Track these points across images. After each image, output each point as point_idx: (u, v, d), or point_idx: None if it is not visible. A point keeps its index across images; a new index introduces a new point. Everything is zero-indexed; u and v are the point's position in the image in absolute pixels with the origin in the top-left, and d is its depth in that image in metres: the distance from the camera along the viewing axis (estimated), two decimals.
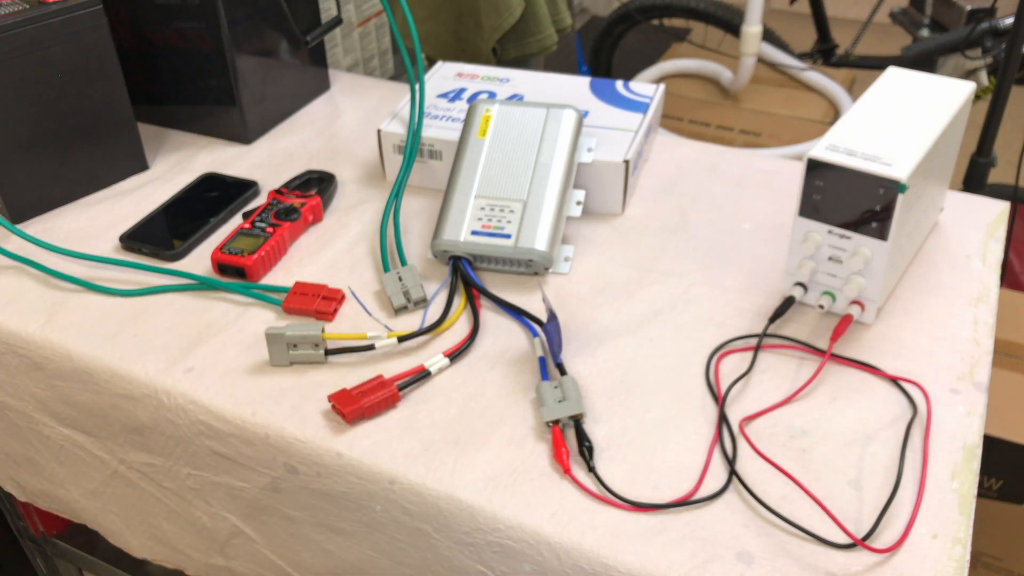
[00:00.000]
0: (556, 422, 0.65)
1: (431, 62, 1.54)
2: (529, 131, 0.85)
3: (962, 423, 0.66)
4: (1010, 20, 1.67)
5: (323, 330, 0.72)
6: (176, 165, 1.01)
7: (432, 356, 0.72)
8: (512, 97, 0.98)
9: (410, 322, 0.77)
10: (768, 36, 2.00)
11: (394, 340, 0.73)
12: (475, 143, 0.85)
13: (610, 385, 0.70)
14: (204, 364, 0.73)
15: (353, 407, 0.67)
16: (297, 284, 0.79)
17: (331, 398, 0.68)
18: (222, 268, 0.83)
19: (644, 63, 2.17)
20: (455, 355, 0.73)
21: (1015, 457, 1.07)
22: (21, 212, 0.91)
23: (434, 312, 0.78)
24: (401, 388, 0.69)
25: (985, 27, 1.70)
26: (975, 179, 1.43)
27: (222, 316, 0.78)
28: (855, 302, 0.73)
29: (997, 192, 1.60)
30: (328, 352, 0.73)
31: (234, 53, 0.98)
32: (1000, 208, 0.89)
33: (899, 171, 0.66)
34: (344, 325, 0.77)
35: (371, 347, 0.73)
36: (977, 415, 0.67)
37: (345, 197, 0.95)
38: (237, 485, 0.73)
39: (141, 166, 1.00)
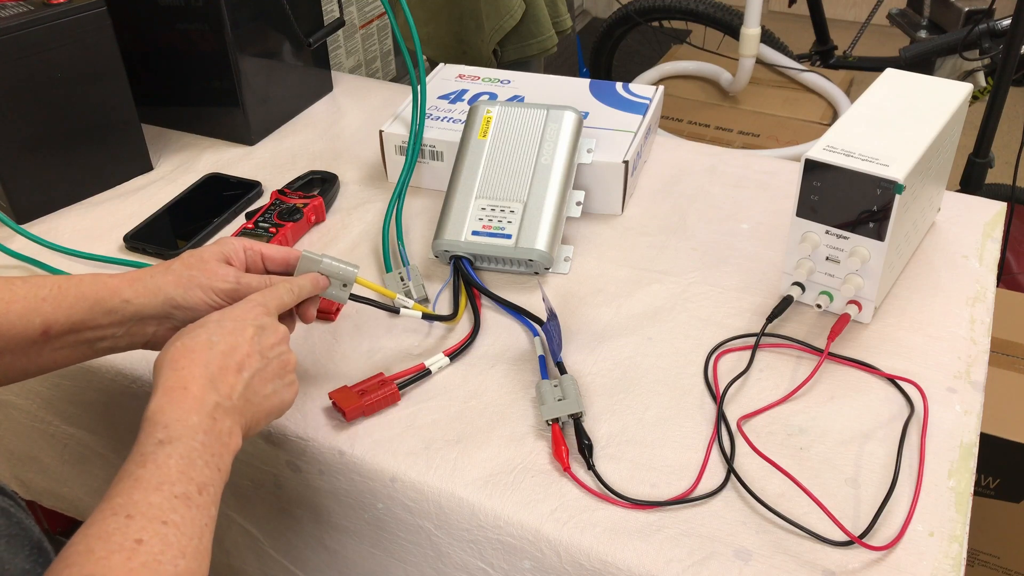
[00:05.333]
0: (556, 420, 0.66)
1: (432, 64, 1.55)
2: (529, 132, 0.86)
3: (959, 422, 0.66)
4: (1008, 21, 1.67)
5: (357, 276, 0.69)
6: (180, 166, 1.02)
7: (434, 355, 0.73)
8: (513, 99, 0.98)
9: (411, 322, 0.78)
10: (767, 38, 2.00)
11: (418, 314, 0.73)
12: (476, 144, 0.86)
13: (609, 384, 0.71)
14: None
15: (353, 405, 0.67)
16: None
17: (332, 395, 0.68)
18: None
19: (644, 65, 2.17)
20: (455, 354, 0.73)
21: (1012, 455, 1.07)
22: (26, 212, 0.92)
23: (441, 310, 0.79)
24: (401, 387, 0.70)
25: (983, 28, 1.71)
26: (972, 180, 1.44)
27: None
28: (852, 302, 0.74)
29: (994, 192, 1.60)
30: (352, 298, 0.69)
31: (237, 55, 0.98)
32: (997, 208, 0.89)
33: (896, 172, 0.67)
34: (347, 324, 0.78)
35: (396, 311, 0.72)
36: (974, 414, 0.67)
37: (347, 198, 0.95)
38: (240, 483, 0.73)
39: (145, 167, 1.00)
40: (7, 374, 0.60)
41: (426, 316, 0.74)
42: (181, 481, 0.49)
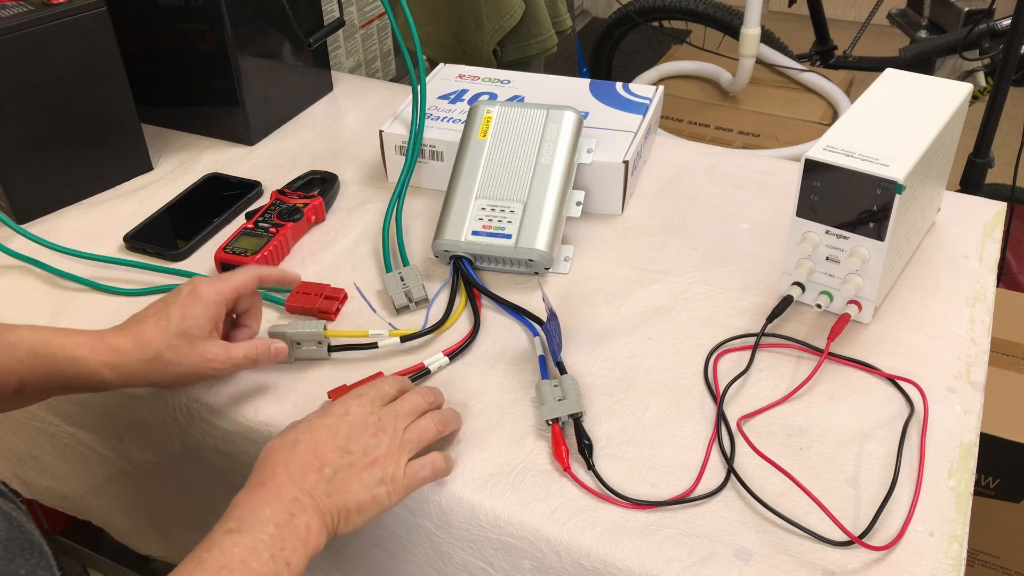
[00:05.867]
0: (556, 420, 0.66)
1: (432, 64, 1.55)
2: (529, 132, 0.86)
3: (959, 422, 0.66)
4: (1008, 21, 1.67)
5: (325, 327, 0.73)
6: (180, 166, 1.02)
7: (433, 355, 0.73)
8: (513, 99, 0.98)
9: (412, 321, 0.78)
10: (767, 38, 2.00)
11: (396, 339, 0.74)
12: (476, 144, 0.86)
13: (609, 384, 0.71)
14: None
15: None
16: (300, 284, 0.80)
17: (331, 394, 0.69)
18: (225, 267, 0.83)
19: (644, 65, 2.16)
20: (455, 354, 0.73)
21: (1012, 455, 1.07)
22: (26, 212, 0.92)
23: (436, 312, 0.79)
24: None
25: (983, 28, 1.71)
26: (972, 180, 1.44)
27: None
28: (852, 301, 0.74)
29: (994, 192, 1.60)
30: (331, 349, 0.73)
31: (237, 55, 0.98)
32: (997, 208, 0.89)
33: (896, 172, 0.67)
34: (347, 324, 0.78)
35: (374, 345, 0.73)
36: (974, 414, 0.67)
37: (347, 198, 0.95)
38: (240, 483, 0.73)
39: (145, 167, 1.00)
40: None
41: (405, 339, 0.74)
42: (240, 570, 0.49)
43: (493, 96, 0.99)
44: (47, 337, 0.61)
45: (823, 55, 2.11)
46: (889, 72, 0.81)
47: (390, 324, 0.77)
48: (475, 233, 0.81)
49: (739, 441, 0.65)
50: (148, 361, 0.61)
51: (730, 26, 2.05)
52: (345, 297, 0.80)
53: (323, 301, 0.78)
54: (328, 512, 0.55)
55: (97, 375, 0.61)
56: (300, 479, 0.54)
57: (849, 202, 0.69)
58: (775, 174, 0.96)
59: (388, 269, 0.83)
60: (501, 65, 1.49)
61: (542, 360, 0.72)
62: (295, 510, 0.53)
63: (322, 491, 0.55)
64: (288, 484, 0.54)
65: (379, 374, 0.70)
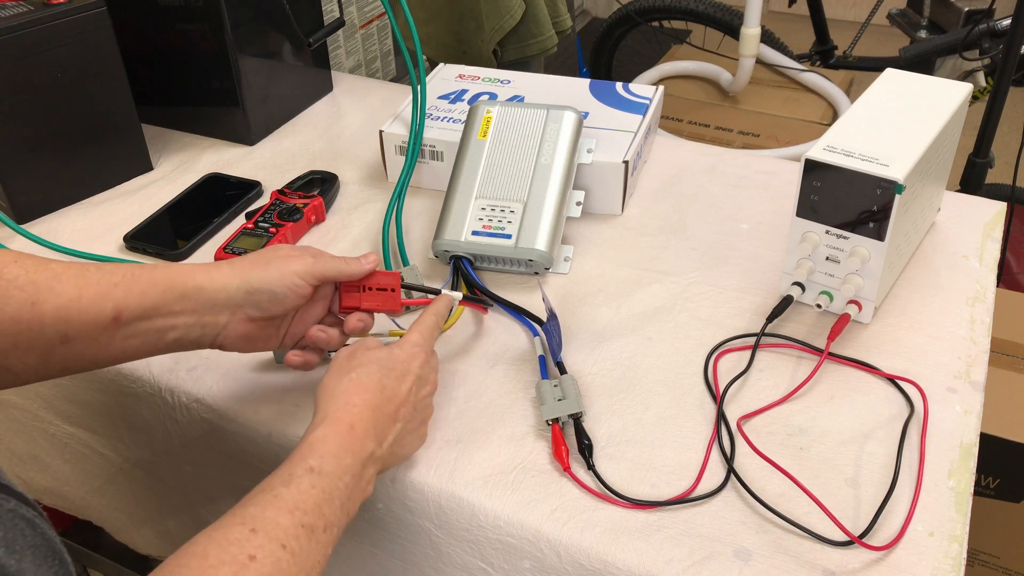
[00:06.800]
0: (556, 420, 0.66)
1: (432, 64, 1.55)
2: (529, 132, 0.86)
3: (959, 422, 0.66)
4: (1008, 21, 1.67)
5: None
6: (180, 166, 1.02)
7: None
8: (513, 99, 0.98)
9: (412, 320, 0.78)
10: (767, 38, 2.00)
11: (396, 340, 0.73)
12: (476, 144, 0.86)
13: (609, 384, 0.71)
14: (207, 363, 0.74)
15: (352, 294, 0.67)
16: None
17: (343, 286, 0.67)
18: None
19: (644, 65, 2.16)
20: (468, 298, 0.75)
21: (1012, 455, 1.07)
22: (26, 212, 0.92)
23: None
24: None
25: (983, 28, 1.71)
26: (972, 180, 1.44)
27: None
28: (852, 302, 0.74)
29: (994, 192, 1.60)
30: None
31: (237, 55, 0.99)
32: (997, 208, 0.89)
33: (896, 172, 0.67)
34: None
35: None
36: (974, 414, 0.67)
37: (347, 198, 0.95)
38: (240, 483, 0.73)
39: (145, 167, 1.00)
40: (77, 362, 0.59)
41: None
42: (313, 513, 0.50)
43: (493, 96, 0.99)
44: (141, 264, 0.61)
45: (823, 55, 2.11)
46: (889, 72, 0.81)
47: (396, 323, 0.77)
48: (475, 233, 0.81)
49: (739, 441, 0.65)
50: (239, 260, 0.62)
51: (730, 26, 2.05)
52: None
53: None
54: (385, 463, 0.58)
55: (191, 277, 0.60)
56: (381, 432, 0.57)
57: (849, 202, 0.69)
58: (775, 174, 0.96)
59: (388, 269, 0.83)
60: (501, 65, 1.49)
61: (542, 360, 0.72)
62: (368, 462, 0.56)
63: (389, 446, 0.58)
64: (371, 436, 0.56)
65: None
